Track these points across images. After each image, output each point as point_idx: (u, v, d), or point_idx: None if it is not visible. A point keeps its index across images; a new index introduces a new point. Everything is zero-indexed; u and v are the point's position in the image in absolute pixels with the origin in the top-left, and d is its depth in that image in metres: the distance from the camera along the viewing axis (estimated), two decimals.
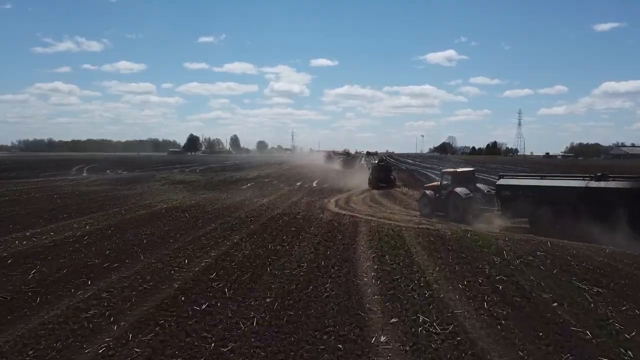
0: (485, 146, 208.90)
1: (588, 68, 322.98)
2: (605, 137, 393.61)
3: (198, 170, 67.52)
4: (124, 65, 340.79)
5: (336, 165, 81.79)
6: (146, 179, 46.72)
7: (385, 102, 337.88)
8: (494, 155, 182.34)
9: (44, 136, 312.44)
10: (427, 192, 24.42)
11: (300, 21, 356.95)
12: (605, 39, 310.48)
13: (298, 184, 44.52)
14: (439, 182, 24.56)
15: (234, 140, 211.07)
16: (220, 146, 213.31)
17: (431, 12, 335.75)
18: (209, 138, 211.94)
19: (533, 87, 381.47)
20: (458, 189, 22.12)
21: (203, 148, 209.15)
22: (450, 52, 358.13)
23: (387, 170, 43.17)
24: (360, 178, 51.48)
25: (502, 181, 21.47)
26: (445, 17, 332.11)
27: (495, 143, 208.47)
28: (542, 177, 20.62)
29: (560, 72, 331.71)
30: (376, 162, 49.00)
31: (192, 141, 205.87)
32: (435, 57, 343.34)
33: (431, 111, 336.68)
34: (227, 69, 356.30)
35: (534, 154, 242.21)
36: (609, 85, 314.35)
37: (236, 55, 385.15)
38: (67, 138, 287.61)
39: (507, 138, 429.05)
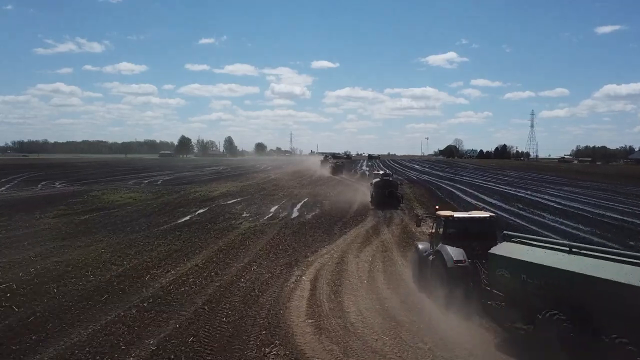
0: (493, 149, 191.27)
1: (589, 70, 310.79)
2: (608, 139, 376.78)
3: (160, 182, 52.48)
4: (125, 66, 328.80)
5: (326, 171, 68.68)
6: (55, 202, 31.72)
7: (386, 104, 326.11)
8: (504, 159, 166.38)
9: (47, 137, 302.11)
10: (420, 245, 13.76)
11: (301, 23, 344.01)
12: (607, 42, 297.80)
13: (272, 210, 29.42)
14: (433, 230, 13.60)
15: (229, 142, 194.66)
16: (214, 149, 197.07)
17: (432, 14, 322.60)
18: (202, 140, 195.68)
19: (534, 89, 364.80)
20: (448, 250, 11.34)
21: (196, 150, 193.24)
22: (452, 54, 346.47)
23: (392, 187, 32.71)
24: (363, 195, 37.21)
25: (500, 249, 10.20)
26: (446, 19, 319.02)
27: (504, 146, 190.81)
28: (571, 249, 8.68)
29: (561, 75, 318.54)
30: (379, 175, 36.61)
31: (184, 143, 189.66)
32: (436, 59, 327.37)
33: (432, 113, 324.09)
34: (228, 71, 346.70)
35: (539, 157, 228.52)
36: (610, 88, 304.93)
37: (237, 56, 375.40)
38: (70, 139, 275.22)
39: (509, 140, 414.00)
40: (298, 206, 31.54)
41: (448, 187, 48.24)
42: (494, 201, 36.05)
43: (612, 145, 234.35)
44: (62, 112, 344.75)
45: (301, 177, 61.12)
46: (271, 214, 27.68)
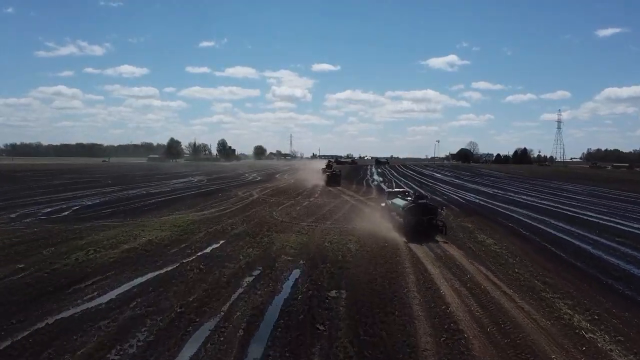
0: (512, 153, 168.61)
1: (590, 73, 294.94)
2: (610, 142, 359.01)
3: (71, 210, 31.68)
4: (126, 69, 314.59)
5: (322, 181, 50.05)
6: None
7: (387, 106, 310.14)
8: (525, 164, 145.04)
9: (50, 141, 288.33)
10: None
11: (301, 26, 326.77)
12: (608, 44, 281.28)
13: None
14: None
15: (222, 145, 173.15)
16: (207, 152, 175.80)
17: (433, 17, 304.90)
18: (194, 143, 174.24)
19: (535, 92, 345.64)
20: None
21: (187, 153, 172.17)
22: (452, 57, 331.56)
23: (431, 213, 22.25)
24: (417, 261, 16.44)
25: None
26: (447, 22, 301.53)
27: (524, 150, 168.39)
28: None
29: (562, 77, 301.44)
30: (408, 198, 24.32)
31: (173, 146, 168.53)
32: (437, 62, 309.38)
33: (434, 116, 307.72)
34: (229, 74, 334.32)
35: (559, 160, 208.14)
36: (612, 91, 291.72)
37: (238, 59, 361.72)
38: (72, 142, 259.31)
39: (510, 143, 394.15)
40: (262, 335, 10.64)
41: (538, 224, 27.26)
42: None
43: (629, 149, 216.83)
44: (64, 114, 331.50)
45: (296, 199, 40.38)
46: None
